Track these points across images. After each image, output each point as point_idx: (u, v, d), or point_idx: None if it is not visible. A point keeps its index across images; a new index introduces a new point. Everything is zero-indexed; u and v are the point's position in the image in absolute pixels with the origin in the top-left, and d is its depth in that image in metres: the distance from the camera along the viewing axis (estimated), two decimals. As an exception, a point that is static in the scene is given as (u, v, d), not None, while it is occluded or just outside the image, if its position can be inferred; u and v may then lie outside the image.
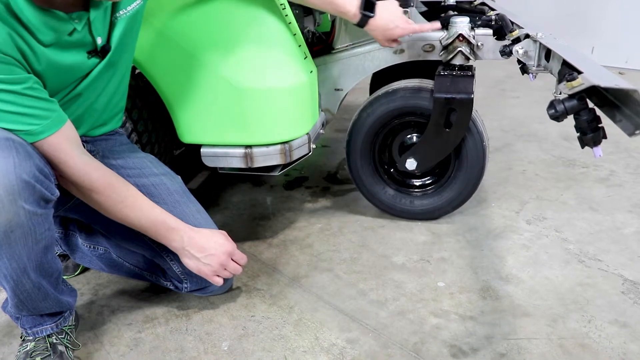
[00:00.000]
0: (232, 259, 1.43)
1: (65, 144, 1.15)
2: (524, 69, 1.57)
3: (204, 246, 1.37)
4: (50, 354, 1.27)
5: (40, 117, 1.09)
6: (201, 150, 1.63)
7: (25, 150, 1.04)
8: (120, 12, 1.24)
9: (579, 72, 1.04)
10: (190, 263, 1.38)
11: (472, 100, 1.62)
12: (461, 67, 1.70)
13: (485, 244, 1.75)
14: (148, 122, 1.70)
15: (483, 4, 2.40)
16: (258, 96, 1.54)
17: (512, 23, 1.74)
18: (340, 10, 1.57)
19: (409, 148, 1.79)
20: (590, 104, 1.07)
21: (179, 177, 1.50)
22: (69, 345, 1.33)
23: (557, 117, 1.06)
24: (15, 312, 1.24)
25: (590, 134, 1.06)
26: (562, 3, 4.10)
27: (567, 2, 4.07)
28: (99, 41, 1.21)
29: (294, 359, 1.32)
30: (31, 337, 1.29)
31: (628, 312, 1.42)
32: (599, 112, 1.08)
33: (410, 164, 1.76)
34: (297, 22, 1.90)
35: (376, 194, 1.87)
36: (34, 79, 1.09)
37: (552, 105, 1.07)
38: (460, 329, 1.38)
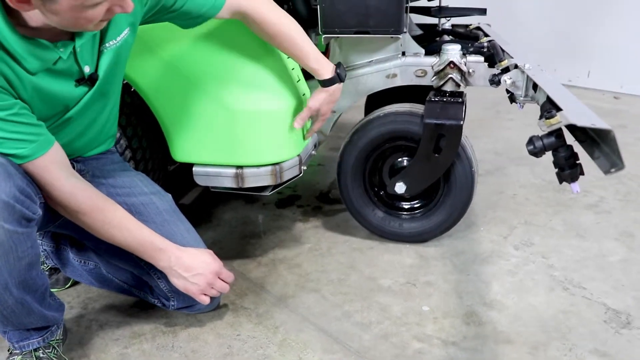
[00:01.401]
0: (219, 278, 1.45)
1: (52, 167, 1.17)
2: (512, 98, 1.60)
3: (191, 265, 1.39)
4: None
5: (26, 141, 1.12)
6: (193, 169, 1.65)
7: (5, 170, 1.07)
8: (110, 43, 1.26)
9: (559, 109, 1.06)
10: (177, 282, 1.40)
11: (461, 126, 1.65)
12: (452, 94, 1.73)
13: (471, 268, 1.77)
14: (142, 139, 1.73)
15: (478, 28, 2.44)
16: (250, 118, 1.56)
17: (503, 51, 1.77)
18: (311, 65, 1.57)
19: (399, 171, 1.82)
20: (569, 141, 1.09)
21: (169, 195, 1.52)
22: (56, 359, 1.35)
23: (536, 153, 1.08)
24: (1, 327, 1.25)
25: (568, 171, 1.09)
26: (558, 26, 4.14)
27: (563, 26, 4.11)
28: (87, 70, 1.23)
29: (277, 380, 1.33)
30: (18, 351, 1.31)
31: (609, 342, 1.44)
32: (579, 147, 1.10)
33: (400, 188, 1.78)
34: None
35: (366, 216, 1.89)
36: (20, 105, 1.11)
37: (530, 141, 1.10)
38: (442, 354, 1.40)
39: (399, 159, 1.85)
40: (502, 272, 1.75)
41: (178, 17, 1.40)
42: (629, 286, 1.67)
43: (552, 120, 1.05)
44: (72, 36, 1.16)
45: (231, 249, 1.92)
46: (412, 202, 1.90)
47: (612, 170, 0.94)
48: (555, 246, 1.90)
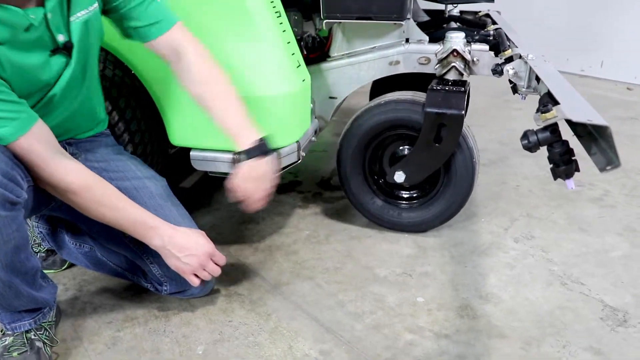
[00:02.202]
0: (212, 260, 1.44)
1: (37, 146, 1.15)
2: (515, 89, 1.57)
3: (184, 245, 1.37)
4: (27, 350, 1.30)
5: (6, 119, 1.10)
6: (190, 153, 1.64)
7: None
8: (79, 14, 1.22)
9: (556, 103, 1.03)
10: (170, 261, 1.39)
11: (462, 116, 1.62)
12: (454, 83, 1.70)
13: (469, 260, 1.75)
14: (141, 122, 1.71)
15: (487, 15, 2.39)
16: (247, 104, 1.54)
17: (508, 40, 1.74)
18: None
19: (399, 160, 1.79)
20: (566, 136, 1.06)
21: (164, 180, 1.51)
22: (47, 342, 1.35)
23: (530, 148, 1.06)
24: (3, 314, 1.27)
25: (563, 167, 1.06)
26: (573, 16, 4.06)
27: (578, 16, 4.04)
28: (60, 38, 1.20)
29: (266, 368, 1.33)
30: (10, 332, 1.32)
31: (604, 340, 1.42)
32: (577, 142, 1.07)
33: (399, 177, 1.76)
34: (297, 27, 1.92)
35: (365, 204, 1.88)
36: None
37: (525, 135, 1.07)
38: (433, 347, 1.39)
39: (400, 148, 1.82)
40: (500, 265, 1.73)
41: (123, 17, 1.34)
42: (628, 283, 1.65)
43: (547, 115, 1.02)
44: (41, 1, 1.13)
45: (229, 234, 1.91)
46: (411, 192, 1.88)
47: (608, 167, 0.92)
48: (556, 240, 1.88)
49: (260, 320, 1.49)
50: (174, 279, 1.47)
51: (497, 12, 2.51)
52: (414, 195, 1.88)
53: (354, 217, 1.97)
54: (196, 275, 1.43)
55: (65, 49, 1.22)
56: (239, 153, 1.36)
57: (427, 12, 2.34)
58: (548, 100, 1.11)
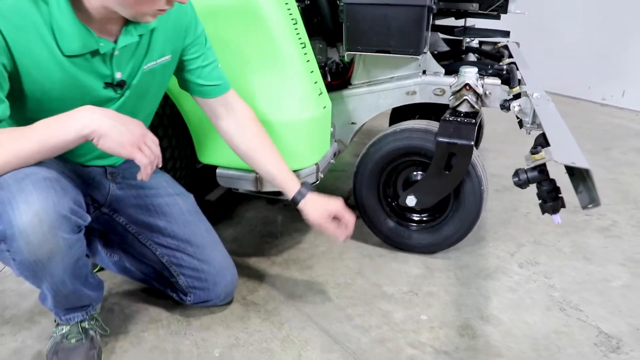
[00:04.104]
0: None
1: None
2: (521, 124, 1.67)
3: (111, 115, 1.18)
4: (82, 337, 1.45)
5: None
6: (217, 171, 1.78)
7: (60, 185, 1.17)
8: (149, 64, 1.35)
9: (547, 145, 1.14)
10: (105, 141, 1.16)
11: (472, 146, 1.72)
12: (466, 114, 1.81)
13: (474, 282, 1.85)
14: (172, 139, 1.85)
15: (505, 47, 2.50)
16: (271, 128, 1.67)
17: (519, 77, 1.84)
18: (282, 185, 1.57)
19: (412, 184, 1.90)
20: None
21: (192, 196, 1.64)
22: (99, 330, 1.51)
23: (521, 185, 1.17)
24: (59, 309, 1.41)
25: (550, 203, 1.17)
26: (595, 45, 4.14)
27: (600, 44, 4.11)
28: (118, 75, 1.30)
29: (276, 373, 1.45)
30: (65, 322, 1.45)
31: (595, 364, 1.51)
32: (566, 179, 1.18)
33: (411, 201, 1.87)
34: (321, 55, 2.05)
35: (378, 225, 1.99)
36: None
37: (516, 173, 1.18)
38: (432, 362, 1.49)
39: (413, 173, 1.93)
40: (503, 289, 1.83)
41: (189, 73, 1.49)
42: (625, 312, 1.73)
43: (536, 156, 1.13)
44: (115, 39, 1.25)
45: (249, 246, 2.04)
46: (422, 215, 1.98)
47: (590, 205, 1.02)
48: (559, 267, 1.96)
49: (273, 328, 1.61)
50: (198, 291, 1.60)
51: (517, 43, 2.61)
52: (425, 218, 1.98)
53: (367, 236, 2.08)
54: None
55: (119, 86, 1.32)
56: (295, 195, 1.54)
57: (447, 41, 2.46)
58: (542, 141, 1.21)
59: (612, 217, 2.37)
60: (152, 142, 1.22)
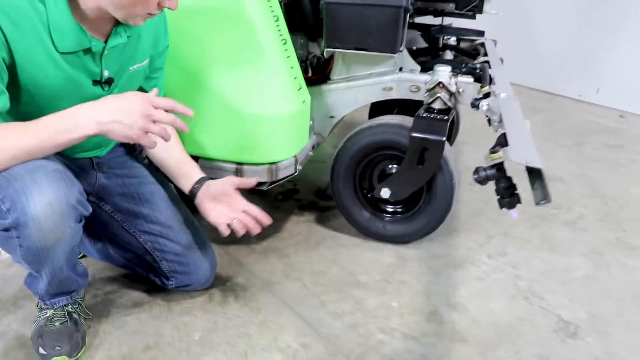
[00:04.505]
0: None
1: None
2: (490, 122, 1.75)
3: (118, 105, 1.24)
4: (67, 320, 1.51)
5: None
6: (199, 161, 1.84)
7: (69, 178, 1.26)
8: (134, 66, 1.46)
9: (506, 144, 1.22)
10: (114, 134, 1.24)
11: (443, 142, 1.81)
12: (439, 111, 1.89)
13: (444, 272, 1.94)
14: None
15: (482, 45, 2.57)
16: (252, 121, 1.74)
17: (490, 76, 1.92)
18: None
19: (387, 177, 1.98)
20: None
21: (171, 185, 1.72)
22: (82, 314, 1.57)
23: (480, 181, 1.25)
24: (46, 294, 1.47)
25: (507, 199, 1.25)
26: (571, 43, 4.24)
27: (575, 43, 4.22)
28: (106, 73, 1.39)
29: (253, 355, 1.53)
30: (49, 306, 1.51)
31: (554, 349, 1.60)
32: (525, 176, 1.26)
33: (385, 193, 1.94)
34: (302, 49, 2.12)
35: (354, 216, 2.07)
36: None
37: (476, 171, 1.27)
38: (401, 346, 1.58)
39: (389, 166, 2.01)
40: (472, 278, 1.92)
41: (145, 80, 1.60)
42: (585, 300, 1.83)
43: (494, 155, 1.22)
44: (106, 40, 1.33)
45: (229, 235, 2.10)
46: (396, 207, 2.06)
47: (542, 202, 1.10)
48: (526, 258, 2.06)
49: (251, 313, 1.69)
50: (179, 275, 1.68)
51: (494, 41, 2.68)
52: (398, 210, 2.06)
53: (343, 226, 2.16)
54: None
55: (107, 84, 1.41)
56: (194, 185, 1.61)
57: (426, 38, 2.53)
58: (502, 141, 1.30)
59: (580, 210, 2.47)
60: (160, 113, 1.26)
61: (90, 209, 1.35)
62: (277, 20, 1.77)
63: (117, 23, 1.33)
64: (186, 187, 1.63)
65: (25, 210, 1.18)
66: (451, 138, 2.77)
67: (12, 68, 1.22)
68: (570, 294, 1.86)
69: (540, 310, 1.77)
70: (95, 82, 1.38)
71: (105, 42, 1.34)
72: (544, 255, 2.09)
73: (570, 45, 4.26)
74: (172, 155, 1.65)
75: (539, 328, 1.69)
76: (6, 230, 1.23)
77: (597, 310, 1.77)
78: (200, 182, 1.61)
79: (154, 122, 1.25)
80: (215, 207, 1.60)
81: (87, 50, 1.32)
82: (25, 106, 1.30)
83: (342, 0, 1.82)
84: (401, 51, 1.93)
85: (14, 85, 1.25)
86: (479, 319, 1.72)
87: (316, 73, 2.16)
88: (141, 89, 1.57)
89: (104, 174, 1.63)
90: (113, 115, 1.21)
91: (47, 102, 1.30)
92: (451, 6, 2.23)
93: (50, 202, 1.19)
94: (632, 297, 1.85)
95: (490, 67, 2.03)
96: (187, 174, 1.63)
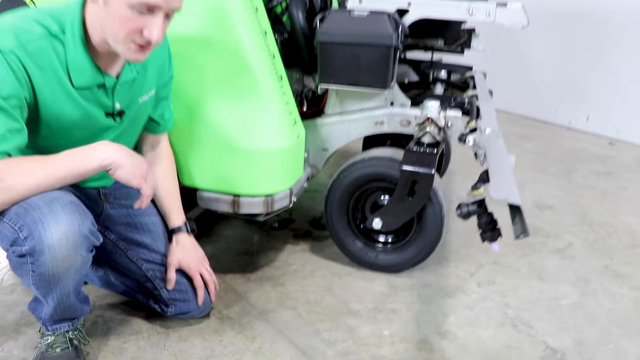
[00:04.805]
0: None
1: None
2: (476, 156, 1.83)
3: (128, 150, 1.38)
4: (68, 346, 1.56)
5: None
6: (197, 192, 1.91)
7: (83, 209, 1.36)
8: (142, 98, 1.57)
9: (487, 181, 1.29)
10: (119, 173, 1.35)
11: (433, 175, 1.87)
12: (429, 145, 1.96)
13: (434, 300, 2.00)
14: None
15: (472, 77, 2.66)
16: (248, 155, 1.81)
17: (478, 111, 2.00)
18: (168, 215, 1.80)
19: (379, 208, 2.05)
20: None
21: None
22: (82, 340, 1.63)
23: (463, 217, 1.32)
24: (49, 320, 1.52)
25: (488, 233, 1.32)
26: (561, 71, 4.35)
27: (567, 71, 4.32)
28: (117, 106, 1.50)
29: (248, 383, 1.58)
30: (51, 332, 1.57)
31: (540, 376, 1.66)
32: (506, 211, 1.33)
33: (377, 224, 2.01)
34: (297, 84, 2.20)
35: (347, 245, 2.13)
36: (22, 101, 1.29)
37: (459, 207, 1.34)
38: (391, 373, 1.63)
39: (380, 197, 2.08)
40: (461, 306, 1.97)
41: (154, 108, 1.70)
42: (572, 328, 1.88)
43: (475, 192, 1.29)
44: (117, 75, 1.46)
45: (225, 263, 2.17)
46: (387, 237, 2.13)
47: (521, 236, 1.16)
48: (515, 286, 2.12)
49: (246, 341, 1.74)
50: (178, 302, 1.74)
51: (483, 73, 2.77)
52: (390, 240, 2.13)
53: (337, 255, 2.22)
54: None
55: (119, 115, 1.52)
56: (172, 230, 1.77)
57: (418, 72, 2.62)
58: (484, 177, 1.37)
59: (568, 238, 2.53)
60: (151, 178, 1.43)
61: (101, 239, 1.43)
62: (274, 57, 1.85)
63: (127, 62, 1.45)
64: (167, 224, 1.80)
65: (42, 239, 1.27)
66: (441, 169, 2.84)
67: (33, 105, 1.33)
68: (557, 322, 1.91)
69: (528, 337, 1.83)
70: (108, 114, 1.50)
71: (117, 77, 1.46)
72: (533, 284, 2.14)
73: (560, 74, 4.36)
74: (162, 190, 1.78)
75: (527, 355, 1.74)
76: (22, 256, 1.32)
77: (584, 338, 1.83)
78: (176, 231, 1.78)
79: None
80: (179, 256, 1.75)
81: (101, 86, 1.44)
82: (43, 139, 1.41)
83: (335, 40, 1.91)
84: (392, 87, 2.01)
85: (35, 120, 1.36)
86: (468, 346, 1.77)
87: (311, 106, 2.24)
88: (150, 119, 1.70)
89: (109, 204, 1.73)
90: (126, 156, 1.35)
91: (63, 133, 1.42)
92: (440, 42, 2.32)
93: (65, 232, 1.28)
94: (618, 324, 1.91)
95: (478, 100, 2.11)
96: (168, 215, 1.79)
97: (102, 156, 1.32)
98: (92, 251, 1.41)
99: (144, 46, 1.34)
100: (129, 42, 1.31)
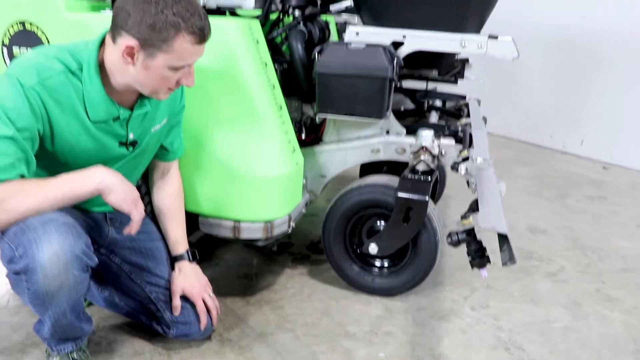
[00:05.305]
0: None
1: None
2: (468, 184, 1.89)
3: (122, 177, 1.44)
4: None
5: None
6: (199, 218, 1.97)
7: (77, 230, 1.42)
8: (155, 127, 1.65)
9: (476, 210, 1.36)
10: (111, 197, 1.41)
11: (427, 202, 1.94)
12: (423, 172, 2.03)
13: (429, 323, 2.05)
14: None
15: (467, 105, 2.74)
16: (249, 182, 1.88)
17: (471, 140, 2.07)
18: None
19: (376, 233, 2.11)
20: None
21: None
22: None
23: (453, 244, 1.38)
24: (49, 338, 1.58)
25: (477, 260, 1.38)
26: (556, 96, 4.45)
27: (560, 96, 4.42)
28: (131, 136, 1.59)
29: (247, 404, 1.63)
30: (55, 353, 1.63)
31: (530, 399, 1.70)
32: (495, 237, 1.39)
33: (373, 249, 2.07)
34: (296, 112, 2.27)
35: (344, 269, 2.19)
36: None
37: (449, 235, 1.40)
38: (386, 395, 1.68)
39: (376, 223, 2.14)
40: (455, 329, 2.03)
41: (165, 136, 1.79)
42: (563, 352, 1.93)
43: (465, 222, 1.35)
44: (132, 107, 1.55)
45: (225, 286, 2.23)
46: (383, 261, 2.19)
47: (508, 263, 1.23)
48: (508, 310, 2.17)
49: (246, 363, 1.80)
50: (180, 324, 1.79)
51: (477, 100, 2.84)
52: (386, 264, 2.19)
53: (334, 279, 2.28)
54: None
55: (132, 145, 1.61)
56: (175, 257, 1.84)
57: (414, 100, 2.69)
58: (474, 206, 1.44)
59: (561, 262, 2.59)
60: (141, 205, 1.49)
61: (96, 260, 1.49)
62: (274, 88, 1.93)
63: (141, 94, 1.54)
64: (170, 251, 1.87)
65: (35, 258, 1.33)
66: (436, 195, 2.91)
67: (49, 136, 1.43)
68: (549, 345, 1.97)
69: (519, 361, 1.88)
70: (121, 144, 1.59)
71: (132, 109, 1.55)
72: (525, 307, 2.20)
73: (555, 99, 4.46)
74: (168, 216, 1.86)
75: (517, 378, 1.79)
76: (17, 273, 1.39)
77: (573, 361, 1.88)
78: (178, 259, 1.85)
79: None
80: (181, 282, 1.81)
81: (116, 118, 1.53)
82: (58, 165, 1.50)
83: (332, 72, 1.98)
84: (387, 116, 2.08)
85: (52, 149, 1.46)
86: (461, 369, 1.82)
87: (309, 133, 2.31)
88: (161, 146, 1.78)
89: (115, 229, 1.80)
90: (119, 181, 1.42)
91: (77, 160, 1.51)
92: (434, 72, 2.40)
93: (56, 252, 1.35)
94: (609, 347, 1.96)
95: (471, 129, 2.18)
96: (171, 242, 1.86)
97: (98, 180, 1.39)
98: (87, 271, 1.46)
99: (173, 88, 1.49)
100: (165, 91, 1.47)
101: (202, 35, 1.41)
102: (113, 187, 1.40)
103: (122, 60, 1.40)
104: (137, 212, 1.46)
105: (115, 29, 1.40)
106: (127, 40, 1.37)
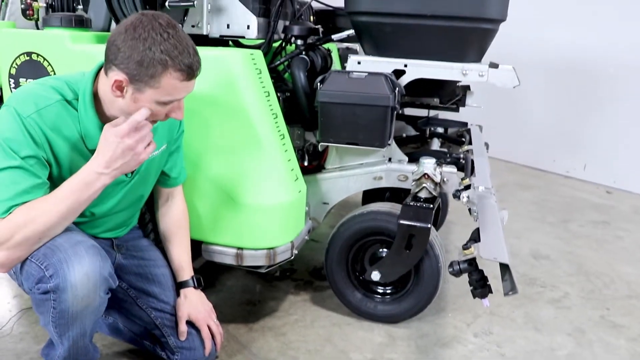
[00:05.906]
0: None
1: None
2: (470, 212, 1.90)
3: (108, 157, 1.41)
4: None
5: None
6: (202, 245, 1.99)
7: (103, 254, 1.46)
8: (154, 153, 1.66)
9: (478, 240, 1.37)
10: (120, 172, 1.44)
11: (429, 229, 1.95)
12: (425, 200, 2.04)
13: (432, 350, 2.05)
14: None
15: (468, 131, 2.76)
16: (252, 210, 1.90)
17: (472, 168, 2.09)
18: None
19: (378, 260, 2.12)
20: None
21: None
22: None
23: (455, 274, 1.39)
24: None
25: (479, 290, 1.39)
26: (559, 121, 4.47)
27: (563, 121, 4.44)
28: None
29: None
30: None
31: None
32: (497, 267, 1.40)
33: (375, 276, 2.08)
34: (299, 140, 2.30)
35: (346, 296, 2.19)
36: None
37: (451, 265, 1.41)
38: None
39: (379, 250, 2.15)
40: (458, 356, 2.02)
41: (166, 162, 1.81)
42: (566, 380, 1.93)
43: (467, 252, 1.36)
44: None
45: (228, 313, 2.23)
46: (386, 288, 2.19)
47: (510, 292, 1.24)
48: (511, 337, 2.17)
49: (248, 392, 1.80)
50: (185, 350, 1.79)
51: (479, 126, 2.87)
52: (389, 291, 2.19)
53: (337, 306, 2.28)
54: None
55: (130, 173, 1.64)
56: (180, 283, 1.85)
57: (417, 127, 2.72)
58: (476, 236, 1.45)
59: (564, 288, 2.58)
60: (134, 137, 1.43)
61: (117, 282, 1.53)
62: (276, 117, 1.95)
63: None
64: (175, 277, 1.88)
65: (66, 277, 1.37)
66: (438, 222, 2.92)
67: (55, 163, 1.47)
68: (551, 373, 1.96)
69: (522, 389, 1.87)
70: None
71: None
72: (529, 334, 2.19)
73: (558, 124, 4.49)
74: (173, 243, 1.89)
75: (521, 407, 1.78)
76: (45, 292, 1.41)
77: (577, 390, 1.87)
78: (183, 285, 1.86)
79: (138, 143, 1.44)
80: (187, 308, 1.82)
81: None
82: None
83: (335, 100, 2.01)
84: (389, 144, 2.10)
85: (57, 175, 1.49)
86: (464, 397, 1.81)
87: (312, 160, 2.33)
88: (163, 173, 1.81)
89: (122, 255, 1.83)
90: (111, 166, 1.41)
91: None
92: (436, 100, 2.43)
93: (87, 272, 1.39)
94: (612, 376, 1.96)
95: (473, 156, 2.20)
96: (177, 269, 1.87)
97: (99, 182, 1.41)
98: (108, 293, 1.50)
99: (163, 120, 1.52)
100: (154, 123, 1.50)
101: (189, 72, 1.43)
102: (111, 175, 1.42)
103: (112, 93, 1.44)
104: (145, 154, 1.46)
105: (107, 63, 1.44)
106: (116, 75, 1.40)
